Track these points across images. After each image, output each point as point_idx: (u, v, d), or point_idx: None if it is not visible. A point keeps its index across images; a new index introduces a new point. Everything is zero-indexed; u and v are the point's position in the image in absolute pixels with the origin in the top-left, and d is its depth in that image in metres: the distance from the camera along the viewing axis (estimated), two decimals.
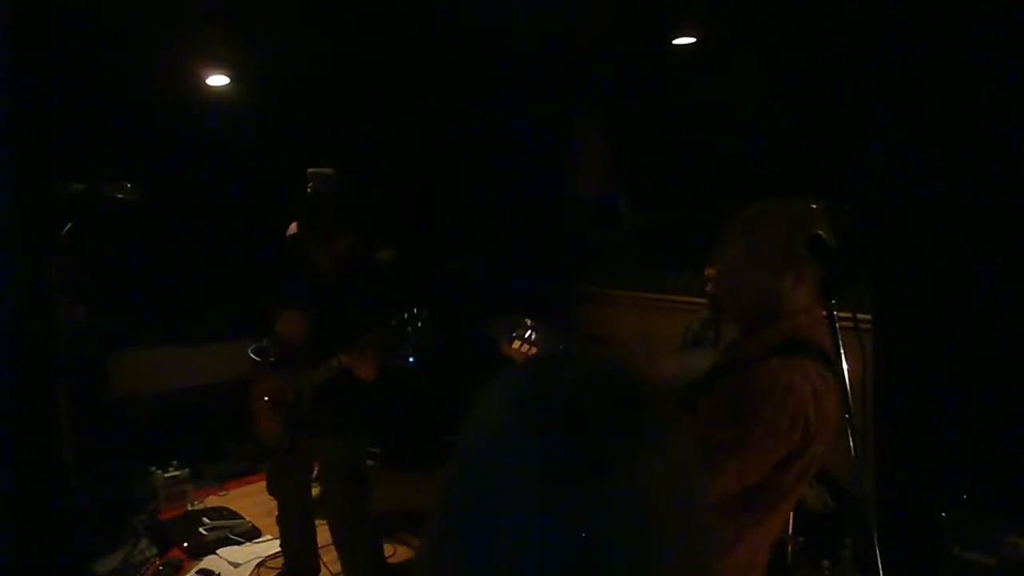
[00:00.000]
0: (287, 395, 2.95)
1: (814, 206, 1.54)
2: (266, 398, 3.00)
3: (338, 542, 3.11)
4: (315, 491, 3.41)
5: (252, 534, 3.95)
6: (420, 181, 5.23)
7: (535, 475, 0.58)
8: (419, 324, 2.74)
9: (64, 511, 3.68)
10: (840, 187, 3.64)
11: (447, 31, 4.18)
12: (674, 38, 4.22)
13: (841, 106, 3.73)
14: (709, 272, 3.57)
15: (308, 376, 2.87)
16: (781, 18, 3.75)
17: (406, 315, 2.73)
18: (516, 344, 1.94)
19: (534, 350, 1.96)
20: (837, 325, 1.35)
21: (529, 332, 1.98)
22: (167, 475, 4.33)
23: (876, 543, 1.21)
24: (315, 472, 3.42)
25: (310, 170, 3.85)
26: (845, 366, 1.32)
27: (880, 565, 1.19)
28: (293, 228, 2.99)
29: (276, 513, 3.30)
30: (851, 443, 1.30)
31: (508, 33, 4.18)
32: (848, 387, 1.31)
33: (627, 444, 0.60)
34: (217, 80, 4.68)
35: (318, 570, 3.33)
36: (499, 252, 4.99)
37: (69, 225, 2.08)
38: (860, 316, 1.54)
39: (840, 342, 1.33)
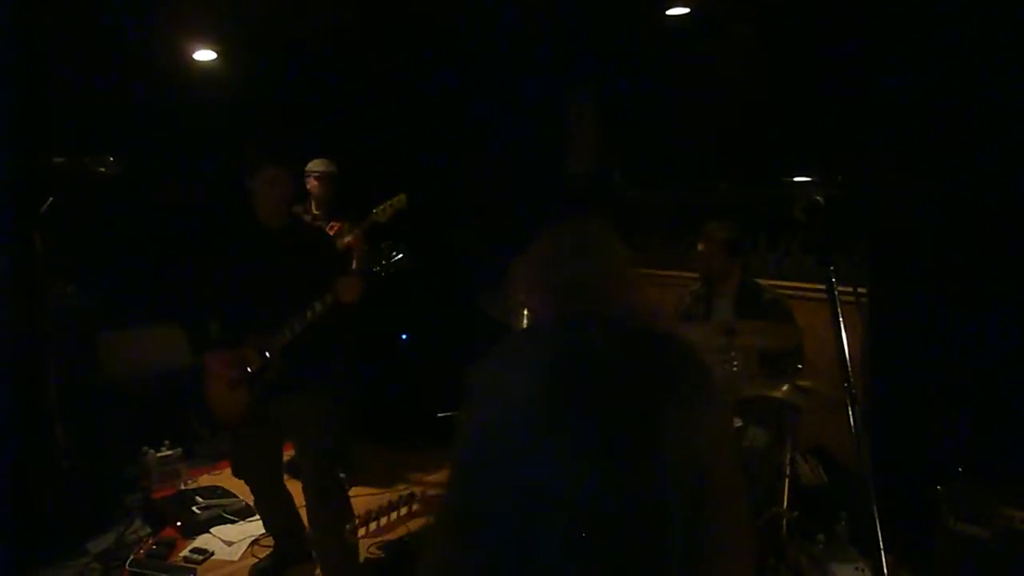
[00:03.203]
0: (250, 363, 2.89)
1: None
2: (224, 371, 2.91)
3: (311, 504, 3.04)
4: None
5: (245, 513, 3.94)
6: (410, 158, 5.17)
7: (574, 434, 0.56)
8: (397, 250, 2.79)
9: (57, 491, 3.67)
10: (836, 160, 3.60)
11: (438, 4, 4.11)
12: (667, 8, 4.15)
13: (838, 78, 3.68)
14: (700, 248, 3.56)
15: (280, 332, 2.83)
16: None
17: (388, 242, 2.79)
18: None
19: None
20: (836, 291, 1.33)
21: None
22: (159, 455, 4.30)
23: (876, 516, 1.19)
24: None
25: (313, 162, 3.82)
26: (844, 338, 1.30)
27: (880, 538, 1.18)
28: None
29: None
30: (851, 415, 1.28)
31: (500, 6, 4.11)
32: (848, 359, 1.29)
33: (668, 396, 0.58)
34: (204, 55, 4.61)
35: (307, 548, 3.30)
36: (493, 227, 4.95)
37: (50, 199, 2.03)
38: (846, 289, 1.52)
39: (840, 314, 1.30)
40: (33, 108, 3.50)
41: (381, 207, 3.86)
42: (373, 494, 4.19)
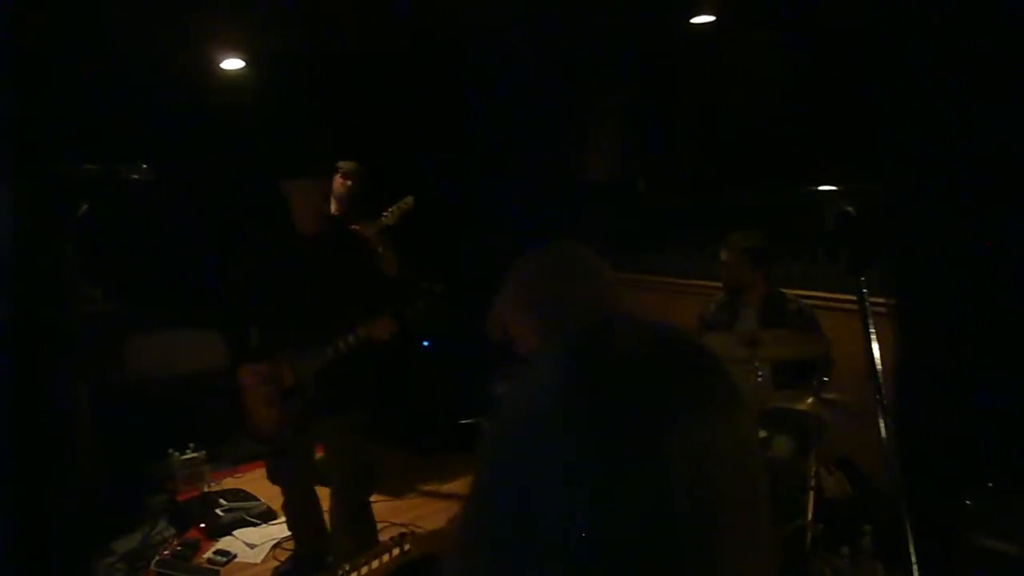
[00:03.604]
0: (284, 381, 2.90)
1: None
2: (259, 387, 2.92)
3: (337, 528, 3.08)
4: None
5: (268, 516, 3.97)
6: (433, 164, 5.19)
7: (597, 441, 0.56)
8: (434, 293, 2.80)
9: (83, 493, 3.71)
10: (862, 169, 3.58)
11: (463, 12, 4.13)
12: (692, 17, 4.15)
13: (865, 86, 3.66)
14: (724, 258, 3.54)
15: (313, 357, 2.84)
16: None
17: (423, 284, 2.79)
18: None
19: None
20: (867, 302, 1.32)
21: None
22: (184, 457, 4.35)
23: (909, 532, 1.18)
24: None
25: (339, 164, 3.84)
26: (876, 349, 1.29)
27: (913, 553, 1.16)
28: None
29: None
30: (882, 428, 1.27)
31: (525, 13, 4.12)
32: (879, 370, 1.28)
33: (691, 404, 0.58)
34: (232, 64, 4.66)
35: (328, 551, 3.29)
36: (515, 235, 4.95)
37: (84, 207, 2.07)
38: (879, 299, 1.50)
39: (871, 324, 1.29)
40: (62, 118, 3.57)
41: (390, 210, 3.89)
42: (389, 500, 4.21)
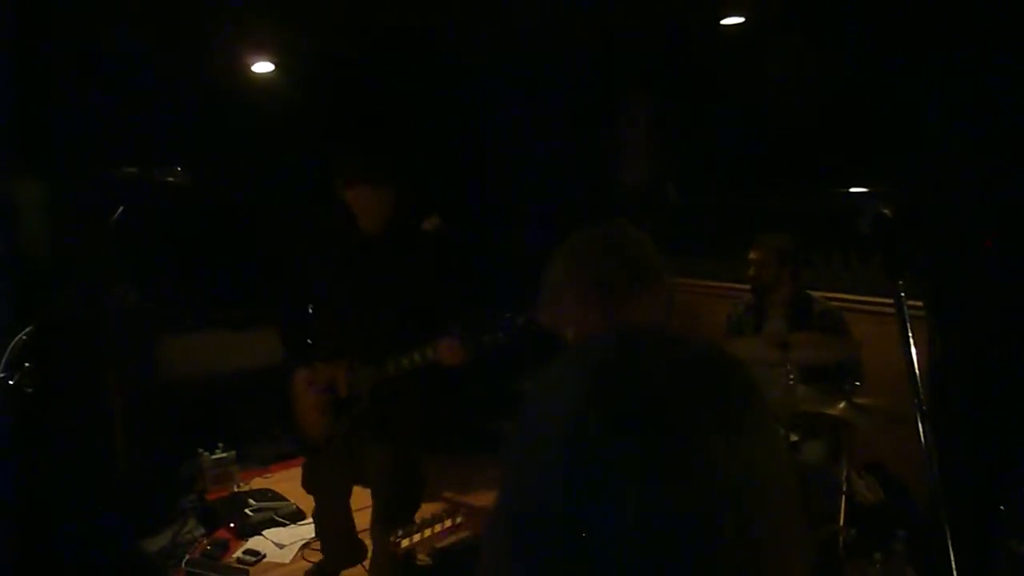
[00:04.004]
0: (339, 390, 2.81)
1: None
2: (314, 393, 2.83)
3: (377, 547, 3.01)
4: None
5: (297, 516, 4.00)
6: (463, 169, 5.21)
7: (626, 461, 0.56)
8: (516, 325, 2.62)
9: (115, 491, 3.77)
10: (895, 171, 3.53)
11: (491, 16, 4.14)
12: (722, 18, 4.12)
13: (897, 87, 3.62)
14: (752, 257, 3.52)
15: (372, 370, 2.74)
16: None
17: (508, 314, 2.62)
18: None
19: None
20: (904, 306, 1.30)
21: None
22: (214, 457, 4.39)
23: (949, 539, 1.16)
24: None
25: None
26: (914, 352, 1.27)
27: (953, 560, 1.15)
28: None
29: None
30: (921, 434, 1.25)
31: (554, 16, 4.12)
32: (917, 374, 1.26)
33: (726, 417, 0.58)
34: (262, 67, 4.71)
35: (355, 563, 3.27)
36: (544, 240, 4.95)
37: (121, 209, 2.10)
38: (913, 303, 1.48)
39: (908, 328, 1.28)
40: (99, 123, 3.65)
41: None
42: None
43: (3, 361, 1.89)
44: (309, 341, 2.92)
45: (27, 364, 1.90)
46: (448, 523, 3.87)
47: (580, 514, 0.56)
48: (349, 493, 3.18)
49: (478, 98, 5.11)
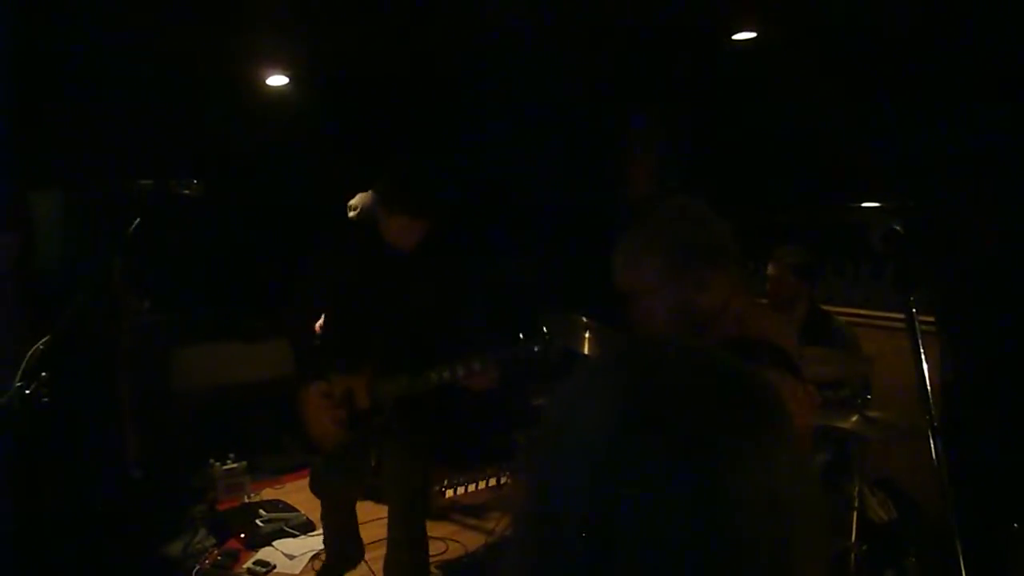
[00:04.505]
0: (357, 402, 2.81)
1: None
2: (329, 406, 2.81)
3: (394, 549, 3.01)
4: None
5: (307, 527, 4.01)
6: (474, 181, 5.23)
7: (651, 476, 0.56)
8: (545, 352, 2.62)
9: (126, 500, 3.79)
10: (906, 186, 3.53)
11: (499, 28, 4.17)
12: (733, 33, 4.13)
13: (908, 103, 3.62)
14: (770, 271, 3.52)
15: (398, 383, 2.74)
16: (845, 10, 3.65)
17: (539, 336, 2.63)
18: None
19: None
20: (916, 322, 1.30)
21: None
22: (225, 467, 4.41)
23: (961, 556, 1.16)
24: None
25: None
26: (926, 367, 1.27)
27: None
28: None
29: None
30: (932, 450, 1.25)
31: (566, 31, 4.15)
32: (929, 390, 1.26)
33: (751, 436, 0.58)
34: (276, 80, 4.75)
35: (357, 561, 3.28)
36: (555, 251, 4.97)
37: (137, 221, 2.12)
38: (924, 318, 1.48)
39: (920, 344, 1.28)
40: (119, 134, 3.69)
41: None
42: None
43: (20, 370, 1.91)
44: (323, 353, 2.93)
45: (43, 374, 1.92)
46: (493, 482, 3.99)
47: (602, 528, 0.56)
48: (355, 498, 3.21)
49: (488, 115, 5.14)
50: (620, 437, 0.59)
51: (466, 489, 4.30)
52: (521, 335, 2.64)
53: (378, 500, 3.15)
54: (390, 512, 3.05)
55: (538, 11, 3.78)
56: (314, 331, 3.03)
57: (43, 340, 1.95)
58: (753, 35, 4.13)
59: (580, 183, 5.14)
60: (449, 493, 4.25)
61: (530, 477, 0.65)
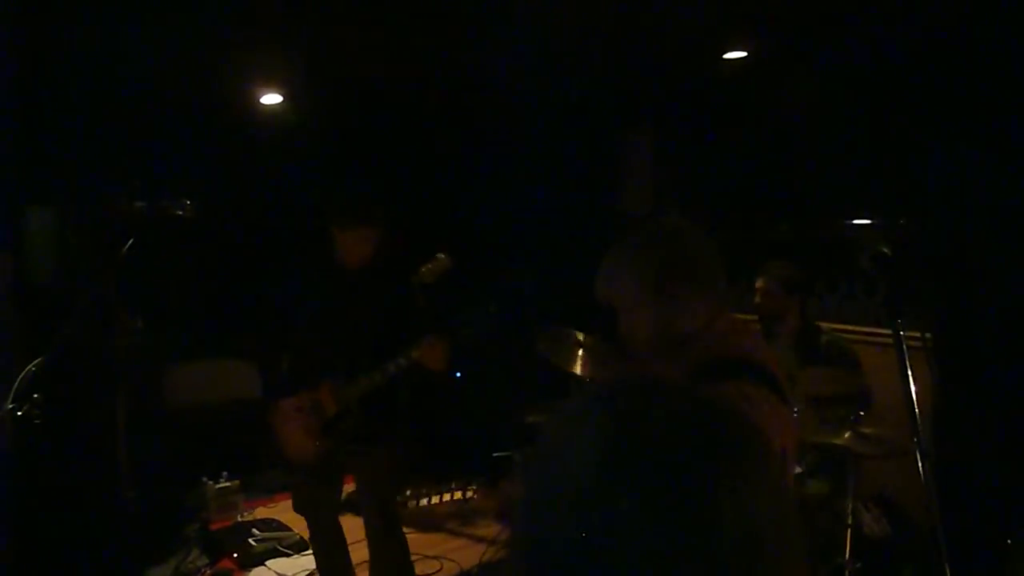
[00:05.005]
0: (325, 409, 2.92)
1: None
2: (299, 417, 2.94)
3: (375, 540, 3.09)
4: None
5: (300, 546, 3.98)
6: (466, 202, 5.26)
7: (637, 511, 0.57)
8: (490, 315, 2.81)
9: (119, 520, 3.77)
10: (898, 203, 3.56)
11: (494, 52, 4.20)
12: (724, 52, 4.17)
13: (899, 121, 3.65)
14: (759, 285, 3.54)
15: (359, 382, 2.85)
16: (836, 29, 3.70)
17: (481, 307, 2.81)
18: None
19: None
20: (904, 345, 1.31)
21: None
22: (218, 486, 4.39)
23: (949, 572, 1.16)
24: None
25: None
26: (913, 387, 1.28)
27: None
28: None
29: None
30: (920, 469, 1.26)
31: (557, 51, 4.18)
32: (916, 410, 1.27)
33: (732, 474, 0.59)
34: (271, 99, 4.78)
35: None
36: (548, 269, 4.98)
37: (131, 241, 2.13)
38: (915, 334, 1.49)
39: (907, 362, 1.29)
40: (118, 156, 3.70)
41: (427, 267, 3.80)
42: (420, 534, 4.21)
43: (12, 392, 1.91)
44: (286, 373, 3.05)
45: (36, 395, 1.92)
46: (459, 495, 4.05)
47: (585, 556, 0.57)
48: (338, 510, 3.26)
49: (481, 136, 5.17)
50: (604, 470, 0.60)
51: (429, 501, 4.33)
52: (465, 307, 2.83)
53: (358, 512, 3.18)
54: (366, 508, 3.12)
55: (537, 32, 3.82)
56: (280, 355, 3.11)
57: (35, 362, 1.95)
58: (744, 54, 4.17)
59: (577, 201, 5.16)
60: (411, 504, 4.26)
61: (522, 497, 0.67)
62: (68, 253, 3.98)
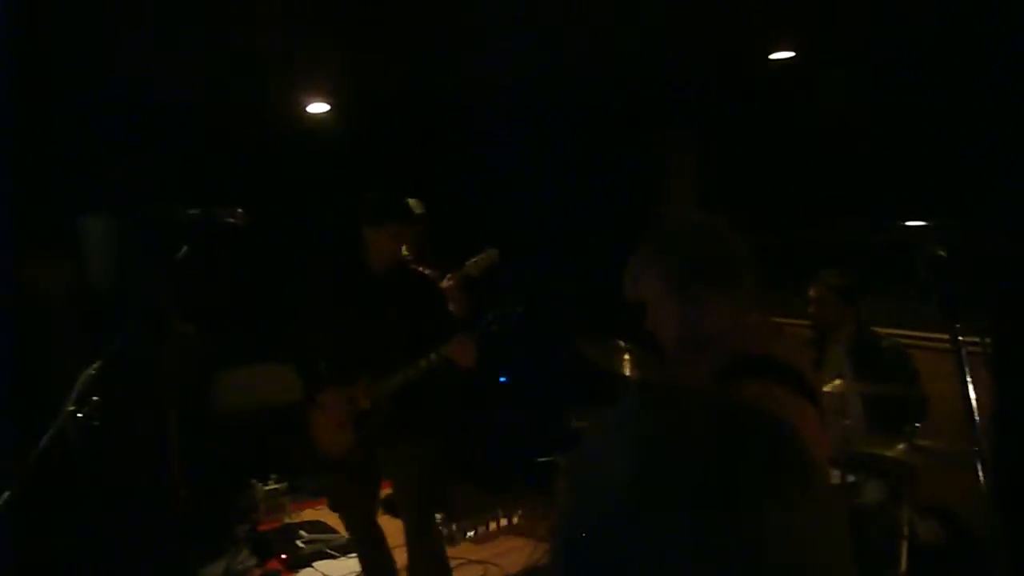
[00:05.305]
0: (359, 403, 2.98)
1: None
2: (335, 413, 3.01)
3: (412, 542, 3.11)
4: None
5: (346, 549, 4.02)
6: (509, 205, 5.26)
7: (682, 525, 0.57)
8: (510, 314, 2.86)
9: (172, 519, 3.86)
10: (952, 205, 3.46)
11: (538, 53, 4.20)
12: (771, 53, 4.11)
13: (948, 120, 3.56)
14: (812, 293, 3.47)
15: (391, 378, 2.91)
16: (889, 26, 3.62)
17: (506, 307, 2.86)
18: None
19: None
20: (963, 351, 1.28)
21: None
22: (267, 488, 4.46)
23: None
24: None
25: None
26: (972, 394, 1.24)
27: None
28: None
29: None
30: (981, 478, 1.22)
31: (603, 52, 4.17)
32: (976, 417, 1.23)
33: (782, 492, 0.58)
34: (317, 107, 4.84)
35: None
36: (592, 274, 4.96)
37: (185, 248, 2.18)
38: (972, 339, 1.45)
39: (967, 372, 1.25)
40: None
41: (474, 260, 3.90)
42: (464, 537, 4.23)
43: (72, 395, 1.97)
44: (322, 371, 3.11)
45: (94, 398, 1.97)
46: (504, 522, 4.04)
47: (631, 570, 0.57)
48: (373, 509, 3.30)
49: (523, 141, 5.17)
50: (639, 484, 0.59)
51: (476, 532, 4.30)
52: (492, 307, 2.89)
53: (395, 514, 3.22)
54: (403, 508, 3.17)
55: (582, 33, 3.81)
56: (318, 354, 3.17)
57: (94, 365, 2.01)
58: (791, 54, 4.10)
59: (620, 203, 5.13)
60: (458, 538, 4.24)
61: (561, 503, 0.67)
62: (125, 260, 4.09)
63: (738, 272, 1.42)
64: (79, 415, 1.94)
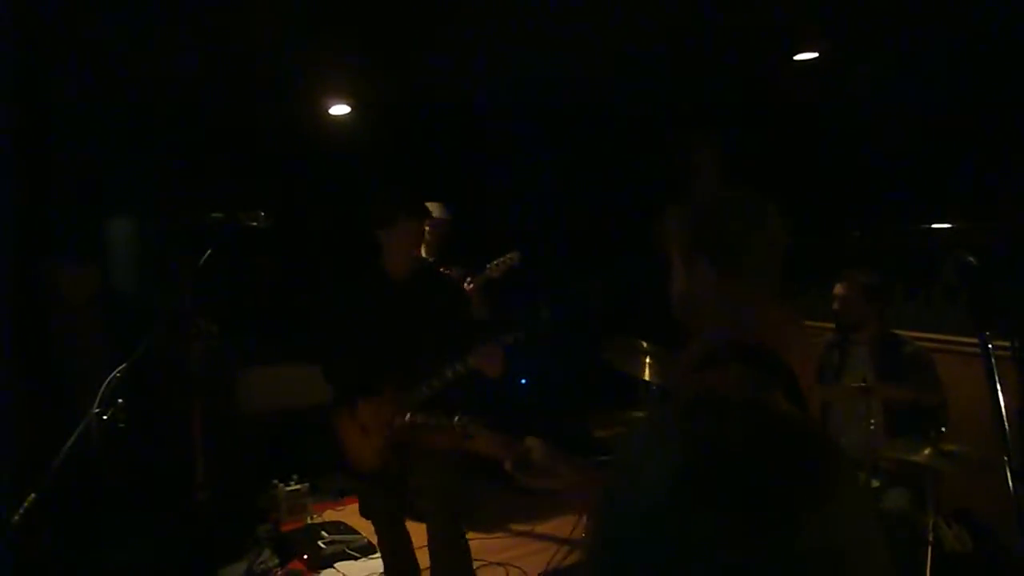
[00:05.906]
0: (387, 418, 2.95)
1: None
2: (365, 425, 3.00)
3: (436, 552, 3.09)
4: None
5: (368, 550, 4.04)
6: (533, 205, 5.26)
7: (720, 529, 0.56)
8: (540, 319, 2.82)
9: (195, 519, 3.89)
10: (980, 206, 3.41)
11: (563, 56, 4.20)
12: (795, 54, 4.08)
13: (982, 121, 3.51)
14: (838, 291, 3.43)
15: (419, 389, 2.88)
16: (915, 27, 3.57)
17: (531, 312, 2.85)
18: None
19: None
20: (992, 356, 1.25)
21: None
22: (288, 488, 4.48)
23: None
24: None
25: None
26: (1001, 399, 1.22)
27: None
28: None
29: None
30: (1010, 484, 1.20)
31: (627, 54, 4.16)
32: (1006, 425, 1.21)
33: (813, 500, 0.57)
34: (339, 109, 4.87)
35: None
36: (615, 276, 4.95)
37: (209, 251, 2.21)
38: (1001, 343, 1.42)
39: (997, 377, 1.23)
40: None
41: (495, 263, 3.92)
42: (484, 538, 4.22)
43: (98, 397, 2.00)
44: (351, 381, 3.09)
45: (120, 400, 2.00)
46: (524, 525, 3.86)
47: None
48: (402, 517, 3.29)
49: (548, 138, 5.16)
50: (677, 493, 0.59)
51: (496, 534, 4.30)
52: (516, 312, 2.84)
53: (421, 520, 3.21)
54: (429, 518, 3.14)
55: (607, 36, 3.80)
56: (346, 364, 3.15)
57: (120, 368, 2.03)
58: (815, 55, 4.07)
59: (637, 208, 5.11)
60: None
61: (595, 511, 0.66)
62: (149, 263, 4.13)
63: (744, 254, 1.39)
64: (104, 417, 1.96)
